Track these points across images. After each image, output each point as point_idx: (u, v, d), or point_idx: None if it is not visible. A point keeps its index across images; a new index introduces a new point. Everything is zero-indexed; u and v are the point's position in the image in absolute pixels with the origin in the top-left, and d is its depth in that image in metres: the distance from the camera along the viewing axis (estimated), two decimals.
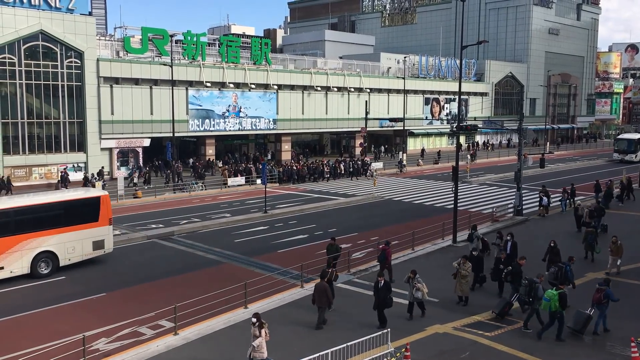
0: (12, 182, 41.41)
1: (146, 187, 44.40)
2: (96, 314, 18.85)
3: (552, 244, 22.06)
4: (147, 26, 51.01)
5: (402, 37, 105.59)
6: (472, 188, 47.16)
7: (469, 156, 62.82)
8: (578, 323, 16.93)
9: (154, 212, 36.62)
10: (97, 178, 44.13)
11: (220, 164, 56.46)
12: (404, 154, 62.09)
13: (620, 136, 74.59)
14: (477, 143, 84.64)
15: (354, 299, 19.95)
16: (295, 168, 51.54)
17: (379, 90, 70.67)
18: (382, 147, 75.66)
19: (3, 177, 42.03)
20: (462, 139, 74.55)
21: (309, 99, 63.35)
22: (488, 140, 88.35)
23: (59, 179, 43.90)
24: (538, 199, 35.95)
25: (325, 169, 52.46)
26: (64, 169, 45.54)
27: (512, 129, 76.58)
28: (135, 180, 46.19)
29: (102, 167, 46.62)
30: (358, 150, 68.16)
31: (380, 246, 22.83)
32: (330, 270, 19.16)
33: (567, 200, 36.37)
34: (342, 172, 53.78)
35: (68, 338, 15.80)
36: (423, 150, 72.43)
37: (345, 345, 13.98)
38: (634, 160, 65.19)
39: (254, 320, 14.20)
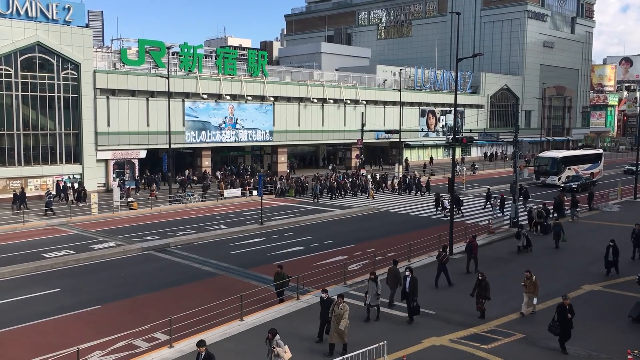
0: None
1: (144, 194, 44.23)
2: (91, 326, 18.72)
3: (479, 277, 19.43)
4: (144, 38, 51.12)
5: (398, 50, 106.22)
6: (468, 200, 47.17)
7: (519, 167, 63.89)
8: None
9: (149, 224, 36.51)
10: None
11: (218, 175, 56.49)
12: (400, 166, 62.19)
13: (542, 154, 61.94)
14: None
15: (351, 311, 19.84)
16: (335, 182, 49.59)
17: (375, 102, 70.89)
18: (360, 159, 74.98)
19: (78, 185, 43.56)
20: (457, 151, 74.69)
21: (305, 111, 63.51)
22: (497, 152, 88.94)
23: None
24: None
25: (370, 185, 50.56)
26: (60, 180, 45.46)
27: (507, 142, 76.92)
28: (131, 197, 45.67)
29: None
30: (355, 162, 68.28)
31: (468, 239, 26.02)
32: (444, 254, 22.41)
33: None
34: (394, 188, 51.50)
35: (62, 351, 15.64)
36: (407, 161, 71.90)
37: (340, 358, 13.91)
38: (556, 184, 53.99)
39: None
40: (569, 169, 56.96)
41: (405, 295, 19.12)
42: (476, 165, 71.49)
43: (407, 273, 19.41)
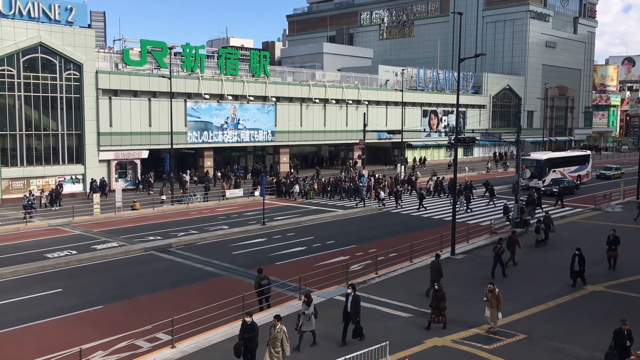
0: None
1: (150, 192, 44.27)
2: (93, 326, 18.74)
3: (435, 287, 18.42)
4: (146, 39, 51.14)
5: (400, 50, 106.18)
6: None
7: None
8: None
9: (151, 224, 36.55)
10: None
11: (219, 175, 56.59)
12: (402, 166, 62.15)
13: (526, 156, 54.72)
14: None
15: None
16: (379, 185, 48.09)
17: (377, 103, 70.85)
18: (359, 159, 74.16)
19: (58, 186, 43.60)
20: (460, 152, 74.57)
21: (307, 111, 63.51)
22: (506, 152, 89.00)
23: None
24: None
25: (399, 187, 48.01)
26: (62, 180, 45.55)
27: (510, 142, 76.88)
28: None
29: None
30: (350, 163, 68.27)
31: (509, 235, 27.06)
32: (499, 246, 23.41)
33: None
34: (429, 191, 49.07)
35: (64, 351, 15.66)
36: (424, 160, 72.09)
37: (343, 358, 13.90)
38: (540, 187, 49.46)
39: None
40: (554, 171, 53.99)
41: (347, 315, 17.00)
42: (507, 163, 75.21)
43: (349, 290, 17.31)
